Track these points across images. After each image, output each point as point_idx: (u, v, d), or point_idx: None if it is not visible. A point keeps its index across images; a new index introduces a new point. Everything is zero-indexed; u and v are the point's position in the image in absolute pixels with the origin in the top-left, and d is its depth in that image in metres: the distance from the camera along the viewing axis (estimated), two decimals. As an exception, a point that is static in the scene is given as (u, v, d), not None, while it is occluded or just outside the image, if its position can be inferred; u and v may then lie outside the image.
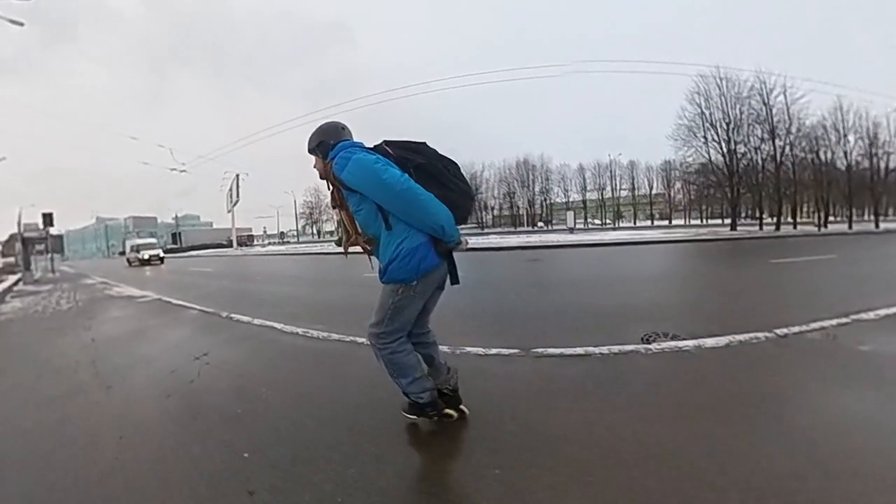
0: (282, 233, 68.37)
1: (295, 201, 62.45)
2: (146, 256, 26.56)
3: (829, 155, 28.20)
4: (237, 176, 42.19)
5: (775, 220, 26.67)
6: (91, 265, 35.30)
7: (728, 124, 25.89)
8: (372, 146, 1.92)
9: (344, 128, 2.01)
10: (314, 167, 2.05)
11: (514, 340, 3.44)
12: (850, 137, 28.03)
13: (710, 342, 3.15)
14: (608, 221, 51.66)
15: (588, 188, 52.16)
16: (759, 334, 3.26)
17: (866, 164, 28.99)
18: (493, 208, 55.37)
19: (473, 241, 20.47)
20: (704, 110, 26.61)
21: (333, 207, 2.01)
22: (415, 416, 2.07)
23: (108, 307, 7.54)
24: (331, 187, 1.96)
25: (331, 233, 61.22)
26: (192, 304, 6.77)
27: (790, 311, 4.09)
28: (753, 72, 25.45)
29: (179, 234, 64.05)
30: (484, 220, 54.40)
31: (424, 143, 1.96)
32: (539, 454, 1.78)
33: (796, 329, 3.38)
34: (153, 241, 31.18)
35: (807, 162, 27.67)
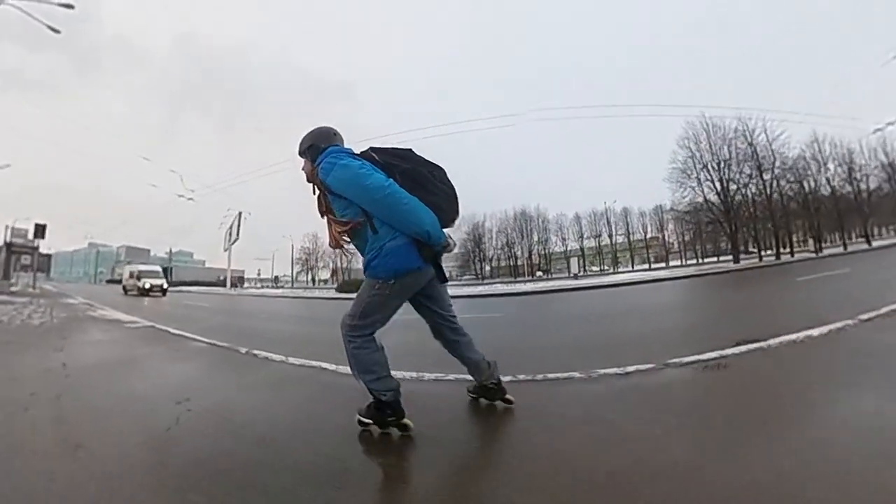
0: (276, 277, 66.11)
1: (293, 246, 60.54)
2: (147, 285, 22.38)
3: (812, 184, 29.87)
4: (239, 214, 41.01)
5: (774, 249, 27.54)
6: (76, 288, 33.20)
7: (719, 164, 27.64)
8: (359, 152, 1.96)
9: (336, 133, 2.05)
10: (302, 169, 2.07)
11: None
12: (830, 165, 29.97)
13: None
14: (606, 267, 51.98)
15: (585, 236, 53.06)
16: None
17: (849, 188, 30.43)
18: (491, 259, 55.67)
19: (480, 290, 20.39)
20: (695, 153, 28.55)
21: (321, 214, 2.02)
22: (369, 421, 1.99)
23: (90, 328, 6.52)
24: (317, 192, 1.99)
25: (325, 280, 60.89)
26: (197, 335, 5.55)
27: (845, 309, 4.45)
28: (735, 115, 28.03)
29: (171, 269, 60.26)
30: (484, 271, 54.44)
31: (410, 150, 1.99)
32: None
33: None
34: (157, 268, 26.48)
35: (794, 192, 29.18)
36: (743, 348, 3.29)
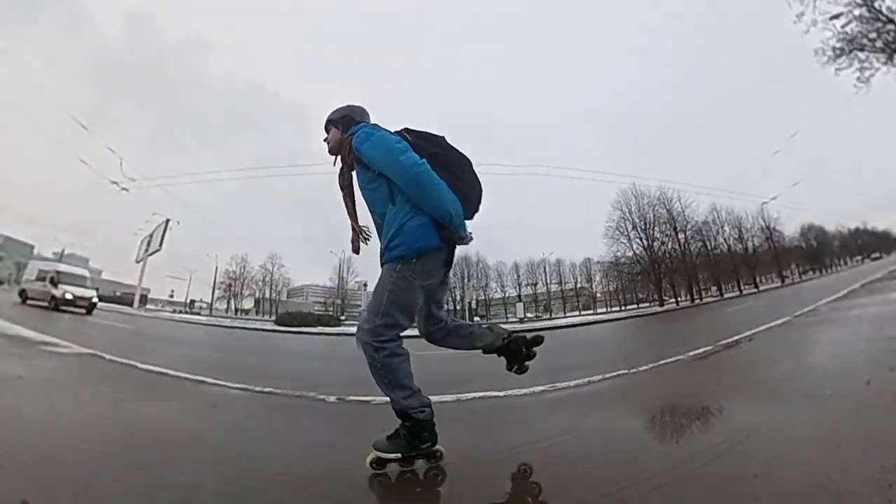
0: (192, 301, 55.96)
1: (216, 267, 51.77)
2: (67, 296, 14.84)
3: (713, 242, 36.51)
4: (166, 222, 33.77)
5: (689, 295, 32.39)
6: None
7: (645, 224, 32.99)
8: (394, 131, 1.90)
9: (368, 114, 2.05)
10: (325, 140, 2.04)
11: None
12: (726, 228, 37.53)
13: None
14: (540, 313, 55.35)
15: (523, 283, 56.31)
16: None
17: (739, 245, 38.21)
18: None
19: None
20: (626, 214, 33.79)
21: (342, 188, 1.99)
22: (394, 456, 1.66)
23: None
24: (340, 165, 1.97)
25: (247, 311, 53.64)
26: (205, 375, 3.77)
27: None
28: (657, 185, 34.25)
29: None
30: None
31: (443, 137, 1.96)
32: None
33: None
34: (84, 272, 18.57)
35: (700, 249, 35.04)
36: (692, 354, 4.35)
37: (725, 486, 1.43)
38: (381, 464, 1.67)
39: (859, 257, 70.49)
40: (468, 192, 1.87)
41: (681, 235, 33.54)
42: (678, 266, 32.43)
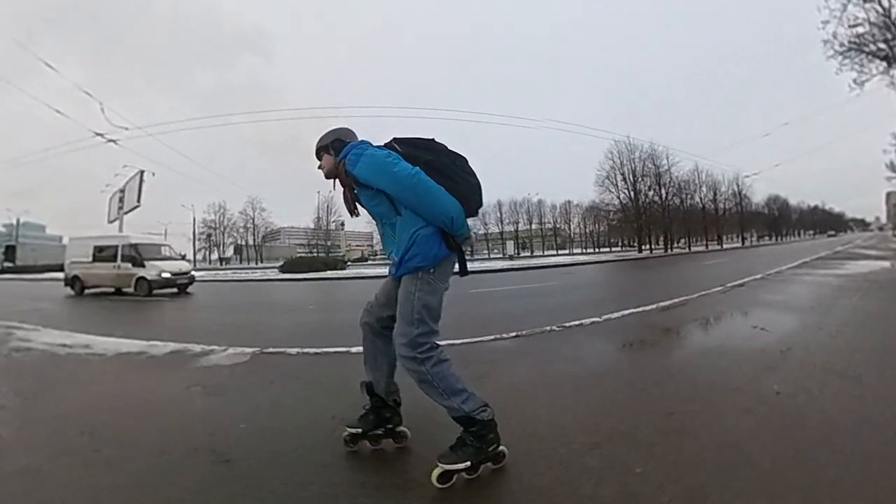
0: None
1: (194, 218, 47.72)
2: (166, 275, 11.80)
3: (690, 200, 39.06)
4: (141, 173, 28.79)
5: (663, 245, 35.61)
6: None
7: (634, 176, 34.53)
8: (382, 144, 1.93)
9: (355, 133, 2.08)
10: (320, 167, 2.05)
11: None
12: (704, 188, 40.37)
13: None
14: (522, 251, 58.36)
15: (505, 222, 58.49)
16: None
17: (711, 205, 41.40)
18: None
19: None
20: (616, 165, 35.12)
21: (350, 213, 2.01)
22: (463, 465, 1.58)
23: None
24: (338, 186, 1.97)
25: (228, 259, 51.11)
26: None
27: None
28: (648, 140, 35.45)
29: (14, 247, 44.25)
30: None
31: (433, 140, 1.97)
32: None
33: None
34: (160, 239, 15.65)
35: (676, 205, 37.44)
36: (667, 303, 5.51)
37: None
38: (448, 478, 1.58)
39: (812, 231, 77.80)
40: (466, 192, 1.85)
41: (663, 191, 35.69)
42: (657, 218, 34.85)
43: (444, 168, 1.85)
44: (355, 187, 1.87)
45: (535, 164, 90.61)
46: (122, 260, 12.10)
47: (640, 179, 35.07)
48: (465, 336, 3.79)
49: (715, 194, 41.77)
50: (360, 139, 1.99)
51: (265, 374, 3.20)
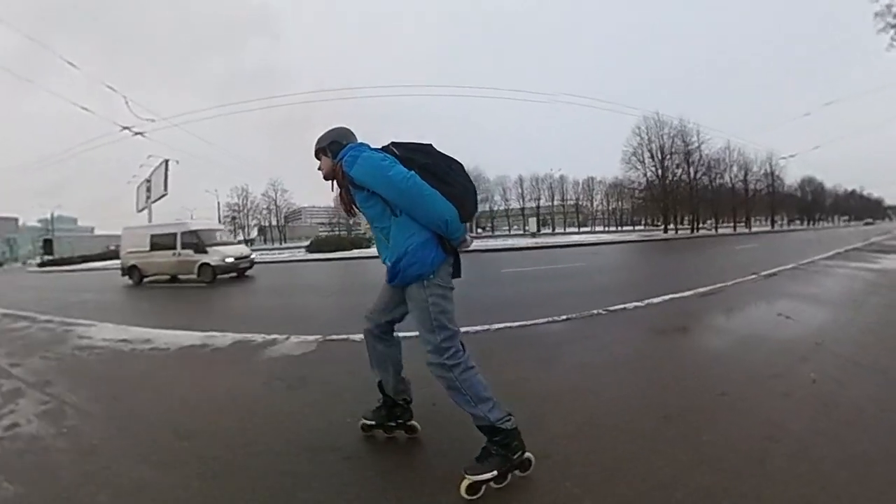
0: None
1: (218, 203, 49.57)
2: (230, 260, 12.12)
3: (719, 180, 37.98)
4: (166, 162, 30.43)
5: (690, 226, 35.09)
6: None
7: (662, 153, 33.88)
8: (380, 147, 1.96)
9: (353, 133, 2.08)
10: (319, 169, 2.08)
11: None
12: (734, 167, 39.23)
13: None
14: (543, 228, 58.10)
15: (527, 198, 58.11)
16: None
17: (741, 185, 40.15)
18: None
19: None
20: (644, 141, 34.61)
21: (346, 213, 2.06)
22: (490, 475, 1.62)
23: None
24: (337, 189, 1.99)
25: (252, 241, 51.48)
26: None
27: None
28: (678, 117, 34.51)
29: (52, 241, 46.85)
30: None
31: (430, 145, 1.99)
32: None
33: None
34: (216, 223, 15.02)
35: (704, 185, 36.50)
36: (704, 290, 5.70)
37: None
38: (476, 489, 1.62)
39: (846, 218, 74.50)
40: (461, 197, 1.86)
41: (691, 169, 34.98)
42: (685, 197, 34.22)
43: (440, 172, 1.87)
44: (351, 189, 1.89)
45: (559, 139, 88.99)
46: (183, 247, 12.28)
47: (668, 157, 34.33)
48: (518, 318, 4.19)
49: (746, 174, 40.38)
50: (358, 141, 2.01)
51: (340, 364, 3.26)
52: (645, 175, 34.93)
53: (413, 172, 1.78)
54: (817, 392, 2.35)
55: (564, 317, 4.20)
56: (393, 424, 2.11)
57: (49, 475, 1.96)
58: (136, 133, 25.14)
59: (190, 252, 12.09)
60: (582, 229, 55.15)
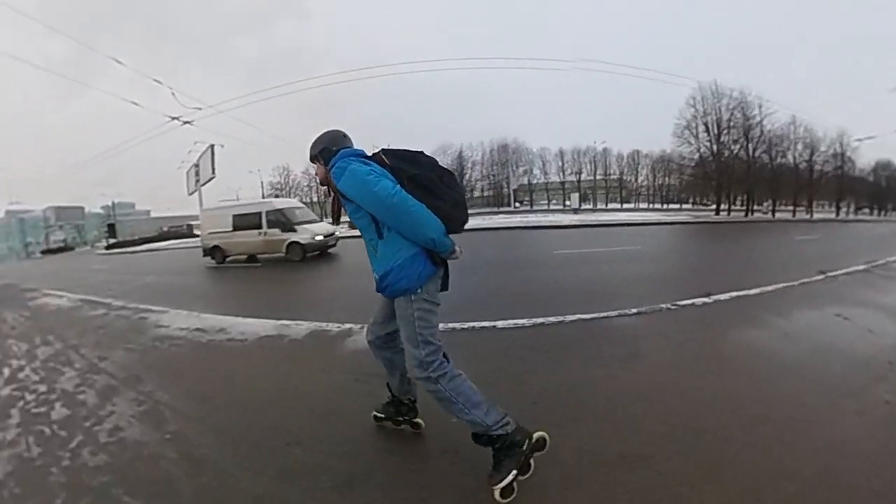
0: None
1: (261, 182, 52.20)
2: (319, 238, 12.08)
3: (780, 158, 35.09)
4: (212, 147, 31.56)
5: (746, 208, 33.07)
6: (19, 269, 24.72)
7: (718, 127, 31.81)
8: (370, 153, 1.96)
9: (346, 136, 2.07)
10: (315, 174, 2.10)
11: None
12: (799, 145, 35.82)
13: None
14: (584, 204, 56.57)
15: (567, 172, 56.53)
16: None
17: (804, 164, 36.78)
18: (474, 189, 58.06)
19: (511, 221, 23.21)
20: (699, 113, 32.49)
21: (334, 220, 2.10)
22: (510, 477, 1.72)
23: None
24: (331, 195, 2.00)
25: None
26: None
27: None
28: (738, 88, 31.88)
29: (114, 225, 52.04)
30: (469, 202, 56.60)
31: (421, 153, 1.97)
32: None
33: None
34: (302, 205, 15.17)
35: (763, 163, 33.97)
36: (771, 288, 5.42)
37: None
38: (508, 492, 1.71)
39: None
40: (450, 211, 1.86)
41: (750, 145, 32.62)
42: (741, 176, 32.12)
43: (430, 184, 1.86)
44: (341, 199, 1.92)
45: (603, 111, 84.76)
46: (269, 226, 12.32)
47: (725, 131, 32.14)
48: (587, 309, 4.36)
49: (812, 154, 36.69)
50: (350, 147, 2.00)
51: None
52: (698, 150, 33.01)
53: (399, 188, 1.78)
54: (892, 413, 2.41)
55: (635, 310, 4.37)
56: (400, 419, 2.28)
57: (167, 489, 1.96)
58: (185, 122, 27.17)
59: (277, 231, 12.20)
60: (625, 206, 53.38)
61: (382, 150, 1.96)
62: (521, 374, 2.90)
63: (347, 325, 4.28)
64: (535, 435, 1.80)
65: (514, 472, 1.72)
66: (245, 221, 12.84)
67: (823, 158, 37.61)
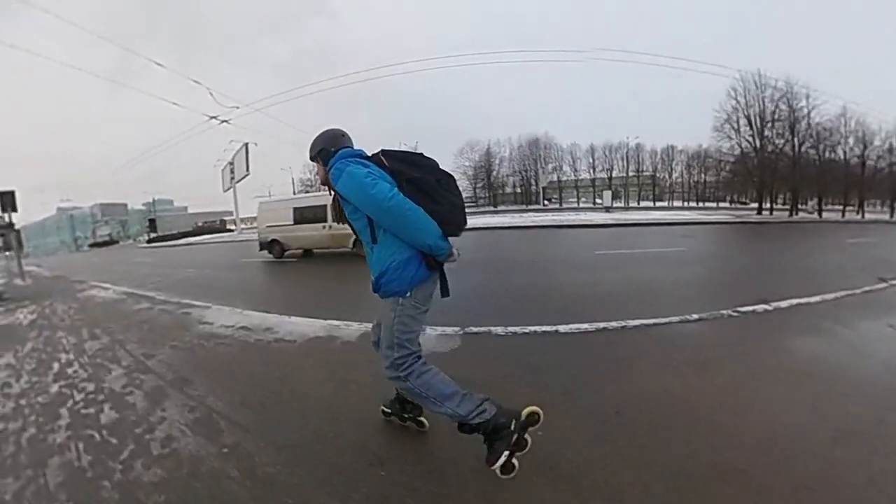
0: None
1: (293, 179, 54.21)
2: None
3: (828, 153, 33.04)
4: (246, 146, 35.07)
5: (789, 206, 31.43)
6: (69, 262, 25.46)
7: (762, 120, 30.23)
8: (370, 154, 1.95)
9: (344, 135, 2.06)
10: (317, 174, 2.11)
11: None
12: (850, 140, 33.43)
13: None
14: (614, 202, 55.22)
15: (598, 169, 55.43)
16: None
17: (856, 160, 34.27)
18: (504, 186, 57.72)
19: (523, 219, 23.00)
20: (741, 105, 30.88)
21: (337, 220, 2.11)
22: (504, 457, 1.77)
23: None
24: (332, 194, 2.00)
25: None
26: None
27: None
28: (783, 78, 30.08)
29: (155, 220, 55.77)
30: (497, 199, 56.23)
31: (421, 154, 1.98)
32: None
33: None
34: None
35: (810, 159, 32.09)
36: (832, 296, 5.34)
37: None
38: (508, 469, 1.77)
39: None
40: (447, 215, 1.85)
41: (796, 139, 30.83)
42: (787, 173, 30.50)
43: (428, 187, 1.85)
44: (340, 200, 1.93)
45: (636, 104, 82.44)
46: (335, 220, 12.31)
47: (768, 124, 30.48)
48: (642, 314, 4.34)
49: (864, 148, 33.99)
50: (349, 147, 2.01)
51: (499, 364, 3.22)
52: (739, 145, 31.40)
53: (396, 191, 1.77)
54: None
55: (696, 316, 4.34)
56: (406, 416, 2.30)
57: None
58: (222, 121, 28.97)
59: (345, 225, 11.77)
60: (657, 204, 51.94)
61: (382, 151, 1.97)
62: (595, 381, 2.93)
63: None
64: (525, 412, 1.82)
65: (507, 452, 1.77)
66: (308, 214, 12.42)
67: (877, 153, 34.83)
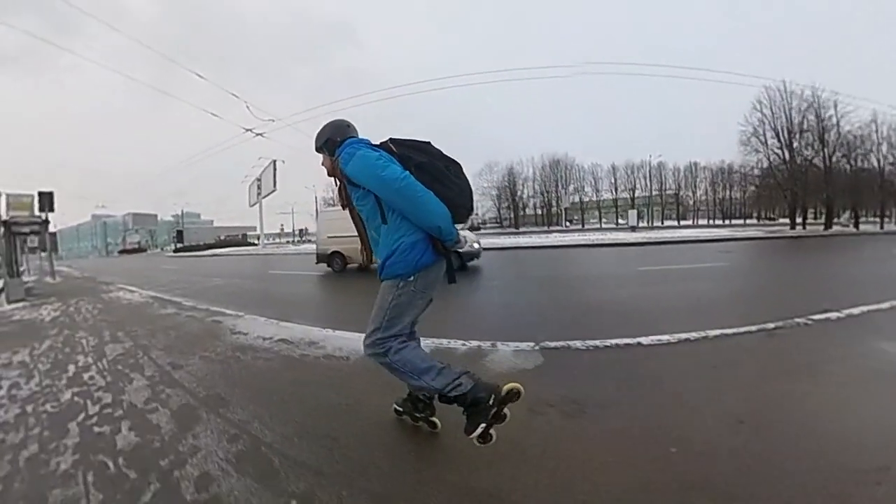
0: (301, 230, 61.23)
1: (315, 197, 53.99)
2: (476, 245, 10.70)
3: (861, 162, 31.88)
4: (273, 162, 36.17)
5: (825, 221, 30.28)
6: (98, 265, 26.39)
7: (789, 132, 29.55)
8: (378, 143, 1.96)
9: (350, 125, 2.06)
10: (322, 164, 2.10)
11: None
12: (884, 147, 31.89)
13: None
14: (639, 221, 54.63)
15: (620, 189, 55.36)
16: None
17: (891, 169, 32.53)
18: (526, 207, 57.97)
19: (540, 240, 22.61)
20: (767, 118, 30.33)
21: (343, 207, 2.07)
22: (481, 428, 1.75)
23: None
24: (338, 184, 2.00)
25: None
26: None
27: None
28: (809, 87, 29.41)
29: (182, 232, 58.71)
30: (518, 220, 56.46)
31: (429, 143, 1.97)
32: None
33: None
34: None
35: (841, 168, 31.08)
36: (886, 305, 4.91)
37: None
38: (487, 437, 1.78)
39: None
40: (456, 199, 1.87)
41: (826, 150, 29.88)
42: (818, 185, 29.53)
43: (437, 172, 1.86)
44: (347, 186, 1.93)
45: (656, 121, 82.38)
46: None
47: (796, 135, 29.69)
48: (717, 325, 4.18)
49: None
50: (353, 136, 2.02)
51: (597, 378, 3.00)
52: (767, 158, 30.54)
53: (407, 173, 1.79)
54: None
55: (773, 325, 4.26)
56: (418, 416, 2.23)
57: None
58: (257, 134, 29.68)
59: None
60: (682, 222, 51.21)
61: (390, 139, 1.98)
62: (704, 391, 2.81)
63: (475, 343, 3.82)
64: (505, 388, 1.78)
65: (483, 424, 1.76)
66: None
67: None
